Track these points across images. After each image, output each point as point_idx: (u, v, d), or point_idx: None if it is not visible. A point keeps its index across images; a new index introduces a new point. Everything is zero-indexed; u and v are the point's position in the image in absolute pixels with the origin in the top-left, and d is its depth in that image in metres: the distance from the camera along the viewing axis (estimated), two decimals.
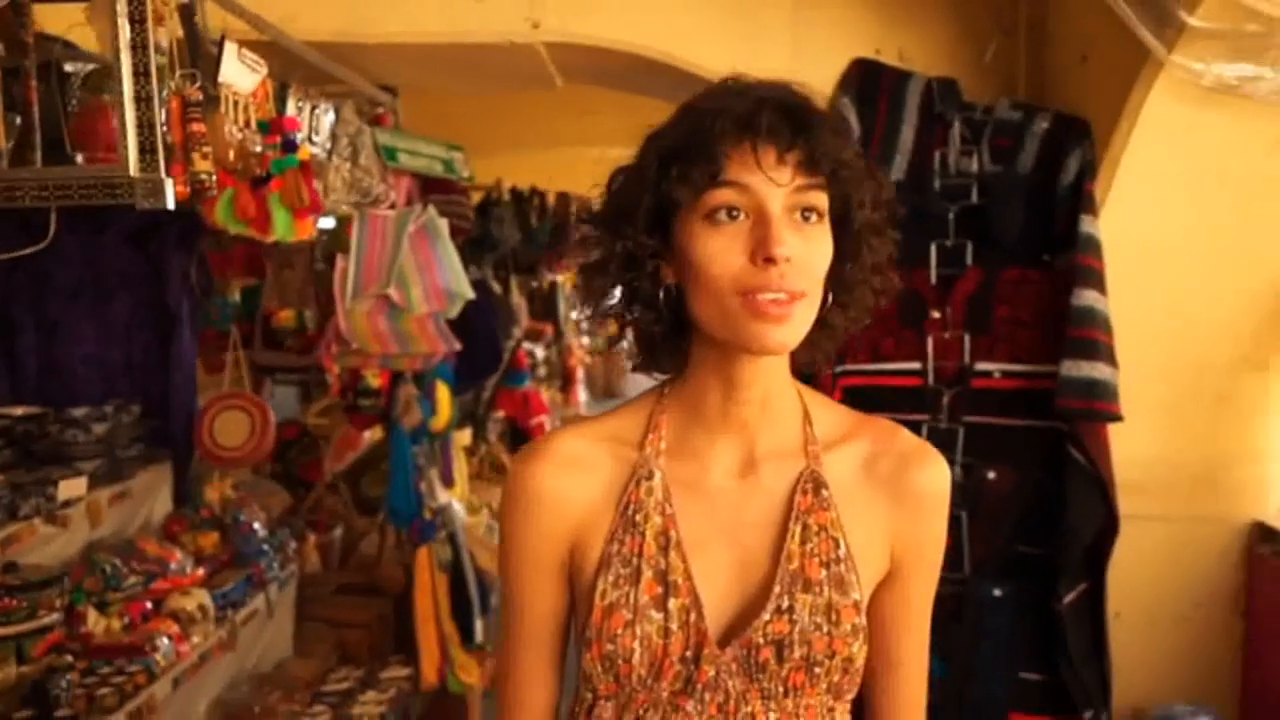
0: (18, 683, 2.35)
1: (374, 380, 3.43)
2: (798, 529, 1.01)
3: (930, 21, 2.61)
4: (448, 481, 3.76)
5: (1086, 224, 2.28)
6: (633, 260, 0.99)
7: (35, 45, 1.85)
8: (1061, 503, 2.32)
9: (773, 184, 0.92)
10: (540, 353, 7.60)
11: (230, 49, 2.08)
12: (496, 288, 5.40)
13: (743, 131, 0.92)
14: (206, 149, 1.84)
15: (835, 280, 0.99)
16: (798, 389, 1.06)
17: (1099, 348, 2.27)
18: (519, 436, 6.51)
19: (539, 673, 1.08)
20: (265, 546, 3.37)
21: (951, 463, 2.21)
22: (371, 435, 4.11)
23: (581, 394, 9.62)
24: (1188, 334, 2.45)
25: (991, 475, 2.41)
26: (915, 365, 2.50)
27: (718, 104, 0.94)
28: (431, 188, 3.49)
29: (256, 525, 3.41)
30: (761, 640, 0.98)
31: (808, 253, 0.94)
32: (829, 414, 1.08)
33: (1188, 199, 2.32)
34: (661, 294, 0.99)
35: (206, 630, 2.85)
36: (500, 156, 5.91)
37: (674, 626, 0.98)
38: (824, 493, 1.02)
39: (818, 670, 0.99)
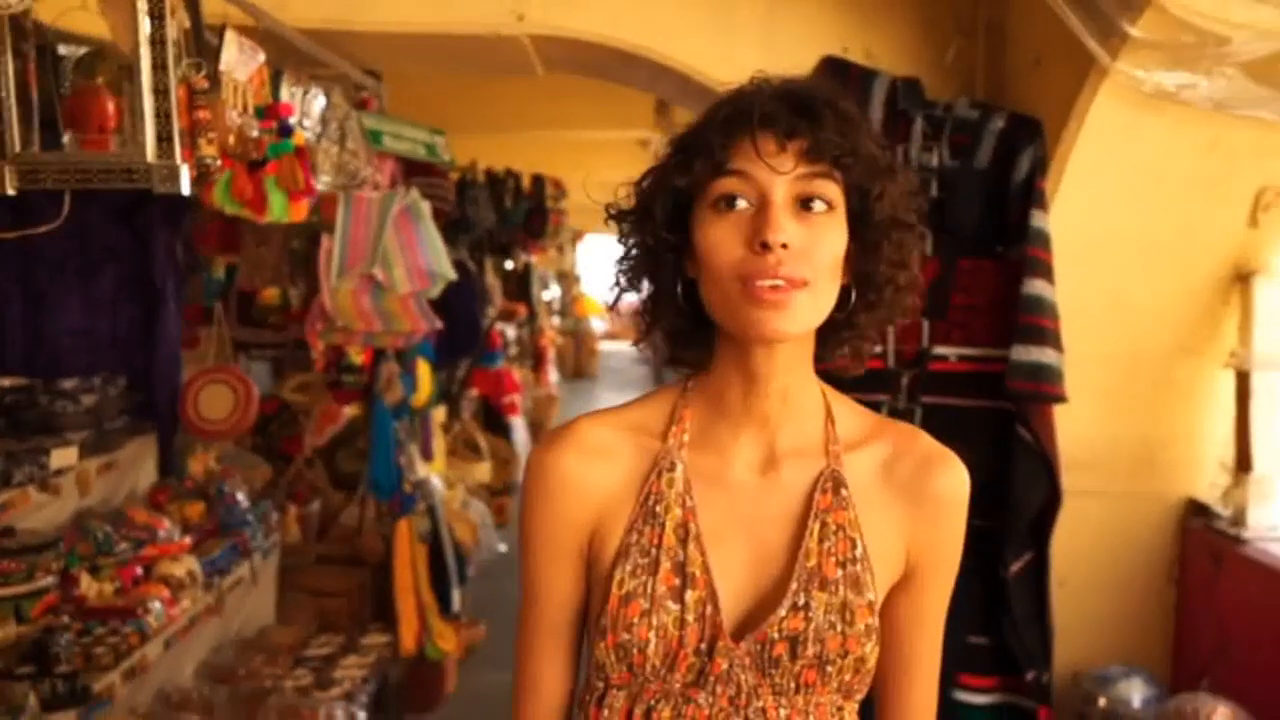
0: (17, 641, 2.45)
1: (357, 357, 3.53)
2: (816, 527, 1.01)
3: (896, 22, 2.74)
4: (427, 456, 3.88)
5: (1037, 218, 2.43)
6: (654, 255, 1.01)
7: (33, 30, 1.94)
8: (1009, 478, 2.48)
9: (773, 172, 0.93)
10: (512, 333, 7.70)
11: (230, 37, 2.17)
12: (472, 268, 5.49)
13: (745, 121, 0.94)
14: (211, 135, 1.95)
15: (860, 276, 0.99)
16: (822, 389, 1.06)
17: (1046, 334, 2.43)
18: (492, 414, 6.62)
19: (554, 658, 1.08)
20: (249, 517, 3.47)
21: None
22: (350, 411, 4.21)
23: (553, 374, 9.73)
24: (1129, 322, 2.62)
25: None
26: (877, 348, 2.65)
27: (730, 98, 0.97)
28: (414, 170, 3.60)
29: (240, 496, 3.52)
30: (776, 635, 0.98)
31: (810, 241, 0.94)
32: (852, 415, 1.07)
33: (1130, 196, 2.48)
34: (680, 287, 1.01)
35: (195, 595, 2.96)
36: (475, 138, 5.97)
37: (690, 618, 0.99)
38: (843, 492, 1.02)
39: (829, 669, 0.99)
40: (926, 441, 1.06)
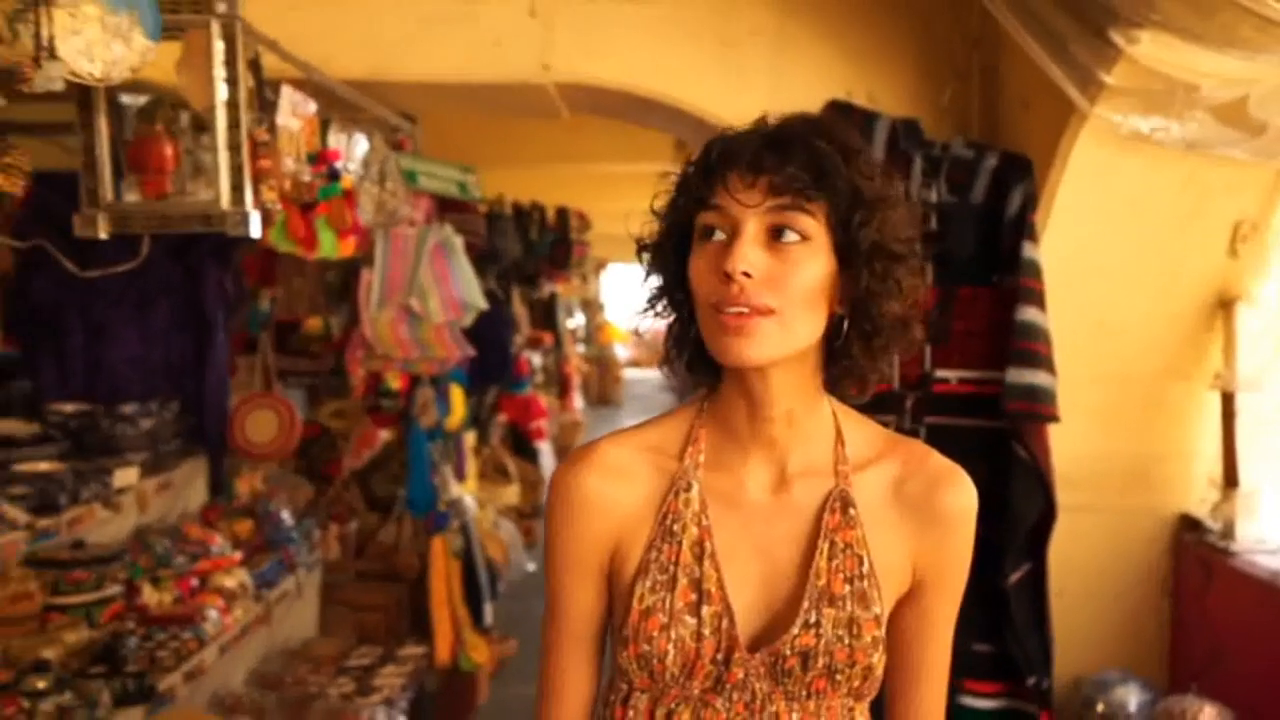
0: (89, 644, 2.67)
1: (394, 382, 3.75)
2: (826, 546, 1.05)
3: (896, 67, 2.94)
4: (460, 476, 4.08)
5: (1029, 250, 2.61)
6: (665, 286, 1.07)
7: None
8: (1007, 493, 2.64)
9: (742, 205, 0.97)
10: (538, 360, 7.90)
11: (285, 92, 2.40)
12: (500, 296, 5.71)
13: (721, 159, 0.99)
14: (272, 181, 2.18)
15: (849, 304, 1.00)
16: (834, 410, 1.08)
17: (1039, 358, 2.60)
18: (520, 439, 6.83)
19: (577, 668, 1.12)
20: (294, 534, 3.69)
21: None
22: (385, 436, 4.42)
23: (578, 400, 9.93)
24: (1119, 347, 2.78)
25: None
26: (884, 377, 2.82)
27: (716, 139, 1.02)
28: (447, 207, 3.83)
29: (285, 515, 3.73)
30: (789, 651, 1.03)
31: (779, 271, 0.97)
32: (863, 434, 1.10)
33: (1115, 229, 2.65)
34: (690, 315, 1.05)
35: (247, 605, 3.16)
36: (502, 172, 6.20)
37: (706, 631, 1.03)
38: (851, 511, 1.06)
39: (839, 677, 1.04)
40: (936, 460, 1.09)
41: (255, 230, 1.86)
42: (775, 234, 0.97)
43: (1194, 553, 2.80)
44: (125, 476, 3.10)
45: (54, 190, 2.51)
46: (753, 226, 0.97)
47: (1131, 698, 2.64)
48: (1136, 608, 2.89)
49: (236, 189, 1.82)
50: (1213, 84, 2.20)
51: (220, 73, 1.76)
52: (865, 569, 1.04)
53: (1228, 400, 2.74)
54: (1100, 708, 2.66)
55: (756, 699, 1.04)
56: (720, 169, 0.99)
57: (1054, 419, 2.62)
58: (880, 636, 1.04)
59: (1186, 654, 2.82)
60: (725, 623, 1.03)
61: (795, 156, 0.96)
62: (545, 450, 7.14)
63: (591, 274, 12.65)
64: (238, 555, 3.31)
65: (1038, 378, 2.60)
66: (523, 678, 4.34)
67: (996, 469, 2.68)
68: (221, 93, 1.77)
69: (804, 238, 0.97)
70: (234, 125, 1.80)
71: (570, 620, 1.11)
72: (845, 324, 1.01)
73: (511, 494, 6.00)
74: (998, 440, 2.70)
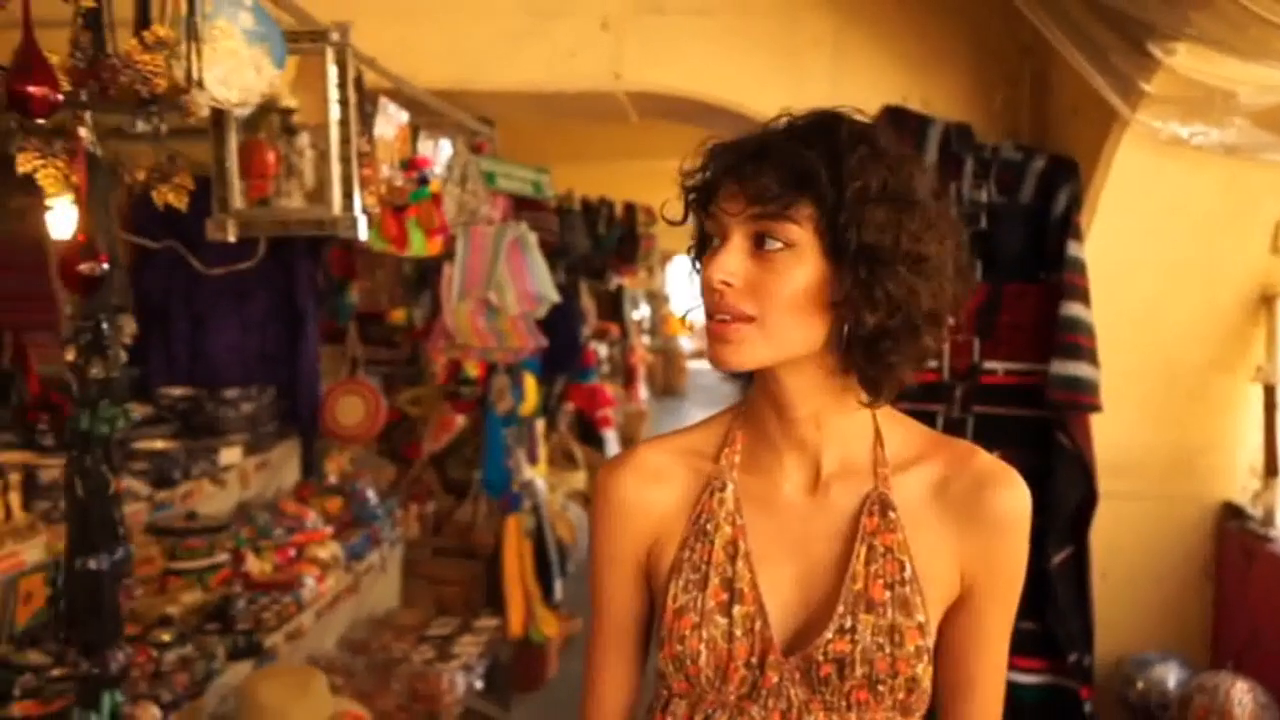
0: (202, 605, 2.96)
1: (473, 370, 4.00)
2: (863, 549, 1.02)
3: (949, 73, 3.08)
4: (533, 460, 4.32)
5: (1073, 248, 2.74)
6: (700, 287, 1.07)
7: None
8: (1050, 480, 2.78)
9: (727, 214, 0.98)
10: (604, 351, 8.12)
11: (383, 104, 2.64)
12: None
13: (717, 167, 1.00)
14: (372, 187, 2.41)
15: (845, 307, 0.97)
16: (872, 411, 1.05)
17: (1082, 350, 2.73)
18: (587, 427, 7.06)
19: (616, 667, 1.14)
20: (378, 512, 3.97)
21: None
22: (461, 421, 4.68)
23: (643, 390, 10.14)
24: (1164, 341, 2.89)
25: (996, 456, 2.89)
26: (933, 363, 2.98)
27: (713, 148, 1.03)
28: (523, 205, 4.05)
29: (370, 493, 4.02)
30: (822, 658, 1.00)
31: (761, 278, 0.97)
32: (904, 435, 1.08)
33: (1157, 228, 2.77)
34: None
35: (338, 575, 3.44)
36: (572, 168, 6.38)
37: (738, 632, 1.02)
38: (891, 514, 1.03)
39: (881, 689, 1.00)
40: (983, 459, 1.05)
41: (363, 233, 2.10)
42: (759, 241, 0.97)
43: (1236, 539, 2.91)
44: (230, 455, 3.40)
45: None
46: (737, 235, 0.98)
47: (1170, 676, 2.76)
48: (1179, 591, 3.00)
49: (346, 196, 2.06)
50: (1249, 91, 2.32)
51: (334, 94, 2.00)
52: (907, 574, 1.01)
53: (1269, 392, 2.84)
54: (1140, 685, 2.79)
55: (793, 708, 1.02)
56: (714, 178, 1.00)
57: (1096, 409, 2.75)
58: (925, 647, 1.01)
59: (1227, 636, 2.93)
60: (759, 624, 1.02)
61: (773, 165, 0.95)
62: (611, 438, 7.36)
63: (657, 266, 12.86)
64: (329, 530, 3.59)
65: (1080, 369, 2.73)
66: None
67: (1041, 457, 2.82)
68: (335, 112, 2.01)
69: (787, 244, 0.96)
70: (345, 140, 2.03)
71: (610, 619, 1.13)
72: (845, 328, 0.98)
73: (578, 479, 6.23)
74: (1042, 429, 2.84)
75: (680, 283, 15.44)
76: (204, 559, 3.04)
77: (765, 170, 0.95)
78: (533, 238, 3.83)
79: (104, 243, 1.31)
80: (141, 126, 1.52)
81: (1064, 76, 2.79)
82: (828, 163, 0.95)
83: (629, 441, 8.34)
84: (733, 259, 0.97)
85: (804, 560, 1.04)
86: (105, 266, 1.27)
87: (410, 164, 2.83)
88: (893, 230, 0.95)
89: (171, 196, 1.40)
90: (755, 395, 1.07)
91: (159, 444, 3.24)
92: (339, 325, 4.33)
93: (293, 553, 3.40)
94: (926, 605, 1.02)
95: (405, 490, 4.52)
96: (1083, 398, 2.74)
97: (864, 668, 0.99)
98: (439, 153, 3.23)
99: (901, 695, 1.01)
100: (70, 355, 1.44)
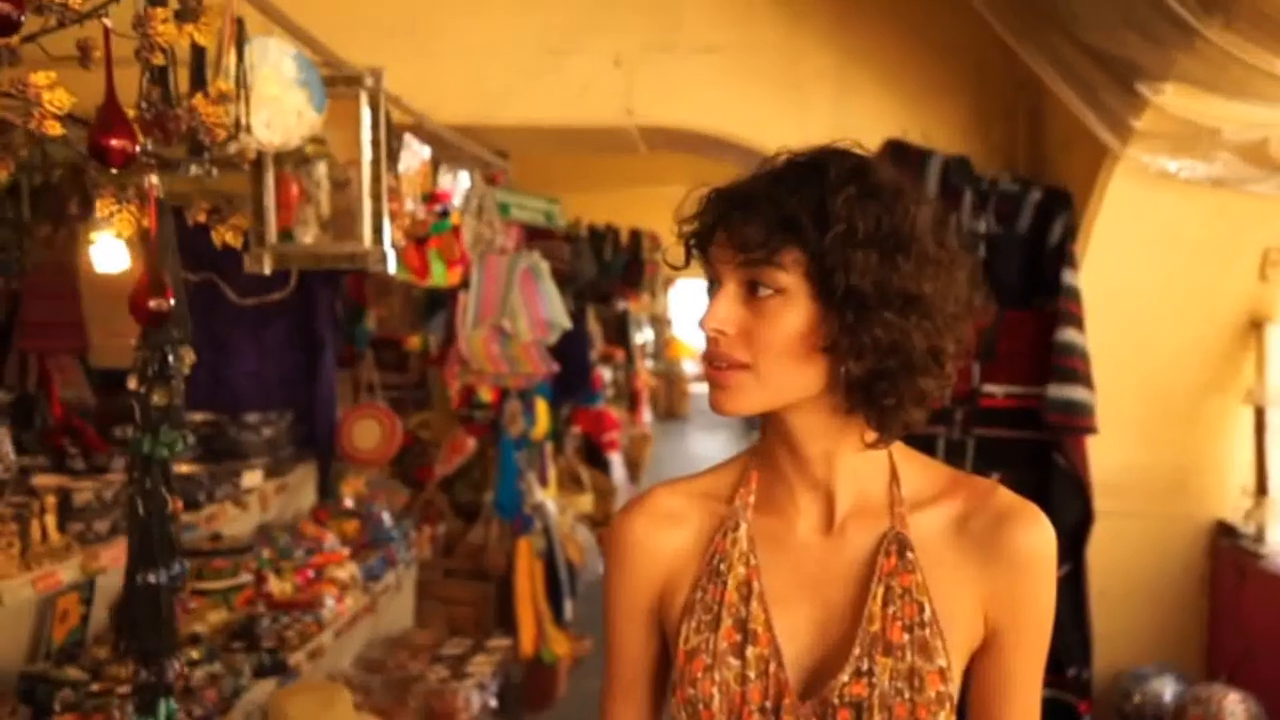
0: (227, 624, 3.05)
1: (486, 395, 4.10)
2: (880, 591, 1.00)
3: (948, 107, 3.21)
4: (544, 482, 4.42)
5: (1069, 276, 2.86)
6: None
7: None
8: (1048, 499, 2.88)
9: (720, 261, 0.98)
10: (608, 375, 8.23)
11: (408, 141, 2.76)
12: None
13: (708, 216, 1.00)
14: (398, 221, 2.53)
15: (840, 355, 0.96)
16: (889, 449, 1.03)
17: (1078, 374, 2.84)
18: (593, 451, 7.16)
19: (627, 711, 1.12)
20: (393, 533, 4.05)
21: (964, 467, 2.81)
22: (473, 444, 4.78)
23: (647, 414, 10.25)
24: (1157, 365, 3.00)
25: (995, 477, 2.98)
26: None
27: (708, 194, 1.02)
28: (535, 235, 4.18)
29: (386, 515, 4.11)
30: (838, 701, 0.97)
31: (753, 325, 0.97)
32: (921, 473, 1.05)
33: (1150, 257, 2.88)
34: None
35: (356, 595, 3.53)
36: (579, 195, 6.51)
37: (752, 675, 0.99)
38: (909, 555, 1.01)
39: None
40: (1003, 496, 1.03)
41: (392, 267, 2.21)
42: (751, 288, 0.97)
43: (1229, 556, 3.00)
44: (252, 478, 3.49)
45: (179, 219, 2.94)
46: (730, 283, 0.98)
47: (1167, 689, 2.85)
48: (1174, 607, 3.09)
49: (376, 230, 2.17)
50: (1233, 127, 2.44)
51: (367, 135, 2.12)
52: (927, 617, 0.98)
53: (1259, 414, 2.95)
54: (1137, 699, 2.88)
55: None
56: (707, 226, 1.00)
57: (1092, 430, 2.86)
58: (947, 693, 0.97)
59: (1222, 650, 3.02)
60: (773, 666, 0.99)
61: (758, 213, 0.95)
62: (616, 462, 7.46)
63: (660, 290, 12.99)
64: (346, 551, 3.69)
65: (1076, 393, 2.84)
66: (598, 672, 4.64)
67: (1039, 477, 2.92)
68: (367, 152, 2.13)
69: (777, 291, 0.96)
70: (376, 179, 2.15)
71: (624, 665, 1.11)
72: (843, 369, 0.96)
73: (585, 502, 6.33)
74: (1040, 451, 2.94)
75: (684, 306, 15.59)
76: (229, 579, 3.14)
77: (751, 219, 0.95)
78: (545, 266, 3.95)
79: (170, 280, 1.41)
80: (195, 170, 1.63)
81: (1058, 112, 2.92)
82: (813, 206, 0.94)
83: (634, 465, 8.44)
84: (725, 307, 0.97)
85: (819, 601, 1.02)
86: (172, 302, 1.38)
87: (432, 197, 2.94)
88: (881, 272, 0.93)
89: (230, 236, 1.51)
90: (769, 434, 1.06)
91: (184, 468, 3.34)
92: (357, 351, 4.44)
93: (312, 573, 3.49)
94: (948, 649, 0.98)
95: (418, 513, 4.61)
96: (1079, 420, 2.85)
97: (882, 714, 0.96)
98: (457, 185, 3.35)
99: None
100: (133, 384, 1.55)
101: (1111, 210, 2.78)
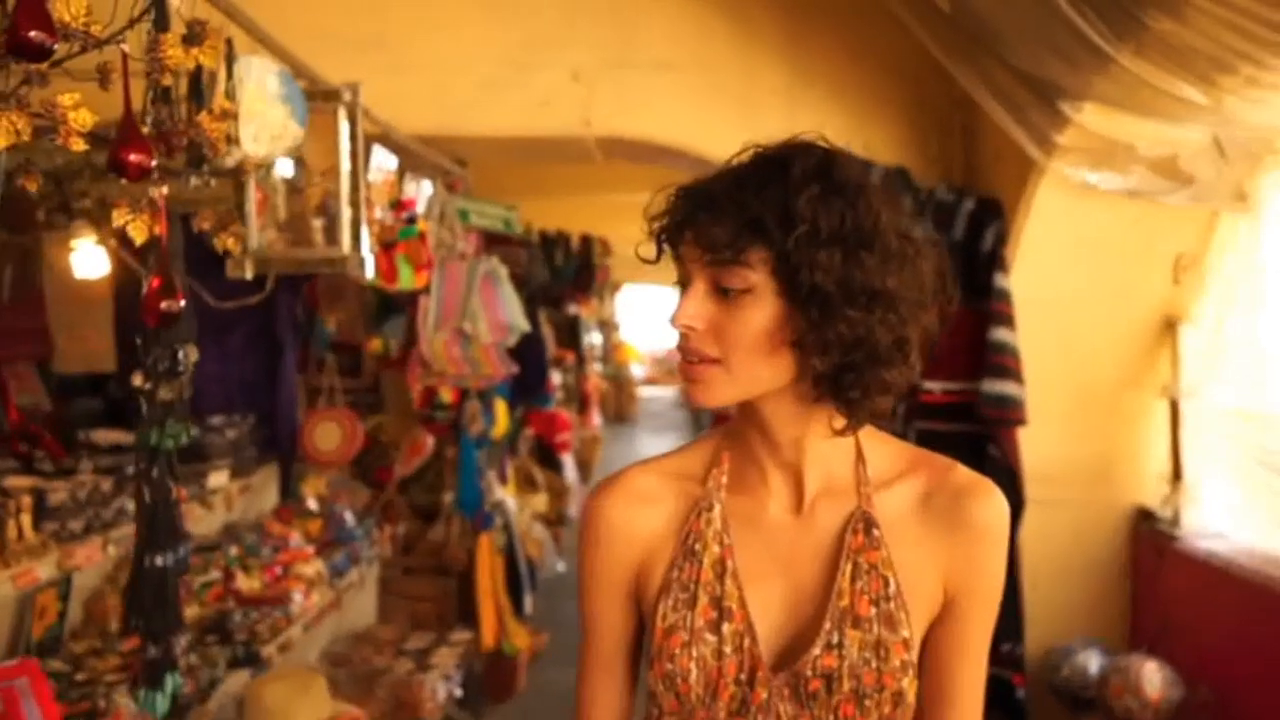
0: (199, 619, 3.12)
1: (446, 396, 4.21)
2: (849, 567, 1.04)
3: (890, 123, 3.42)
4: (503, 480, 4.54)
5: (1000, 279, 3.07)
6: None
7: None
8: None
9: (689, 260, 1.01)
10: (558, 378, 8.35)
11: (376, 151, 2.87)
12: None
13: (675, 215, 1.01)
14: (369, 228, 2.65)
15: (806, 350, 0.98)
16: (851, 433, 1.05)
17: (1009, 371, 3.06)
18: (546, 452, 7.28)
19: (608, 687, 1.15)
20: (356, 532, 4.15)
21: None
22: (432, 444, 4.87)
23: (596, 417, 10.39)
24: (1080, 361, 3.23)
25: None
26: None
27: (676, 191, 1.03)
28: (493, 241, 4.30)
29: (348, 515, 4.20)
30: (810, 673, 1.02)
31: (723, 321, 1.00)
32: (885, 453, 1.09)
33: (1074, 262, 3.11)
34: None
35: (323, 591, 3.62)
36: (530, 201, 6.59)
37: (728, 650, 1.03)
38: (875, 532, 1.05)
39: (868, 703, 1.01)
40: (962, 473, 1.08)
41: (370, 273, 2.33)
42: (720, 286, 0.99)
43: (1148, 539, 3.24)
44: (217, 479, 3.57)
45: None
46: (699, 280, 1.00)
47: (1092, 662, 3.06)
48: (1099, 586, 3.32)
49: (355, 238, 2.29)
50: (1146, 144, 2.66)
51: (345, 147, 2.24)
52: (892, 590, 1.03)
53: (1174, 407, 3.18)
54: (1065, 671, 3.09)
55: None
56: (675, 224, 1.01)
57: (1022, 423, 3.07)
58: (910, 661, 1.02)
59: (1142, 624, 3.25)
60: (748, 641, 1.04)
61: (724, 214, 0.97)
62: (568, 463, 7.59)
63: (608, 294, 13.14)
64: (311, 549, 3.78)
65: (1008, 388, 3.05)
66: (556, 664, 4.78)
67: (974, 467, 3.09)
68: (345, 162, 2.25)
69: (745, 289, 0.98)
70: (355, 188, 2.27)
71: (600, 642, 1.14)
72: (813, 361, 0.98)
73: (540, 502, 6.45)
74: (976, 442, 3.15)
75: (631, 310, 15.77)
76: (199, 575, 3.22)
77: (717, 219, 0.97)
78: (504, 271, 4.07)
79: (178, 284, 1.53)
80: (195, 181, 1.75)
81: (990, 127, 3.13)
82: (778, 207, 0.95)
83: (584, 466, 8.57)
84: (694, 304, 1.00)
85: (791, 578, 1.06)
86: (181, 303, 1.50)
87: (398, 204, 3.06)
88: (845, 270, 0.96)
89: (230, 242, 1.63)
90: (741, 418, 1.09)
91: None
92: (314, 354, 4.51)
93: (279, 570, 3.58)
94: (911, 620, 1.03)
95: (378, 513, 4.70)
96: (1010, 413, 3.06)
97: (851, 682, 1.01)
98: (421, 193, 3.47)
99: (887, 709, 1.02)
100: (137, 380, 1.66)
101: (1039, 219, 3.00)
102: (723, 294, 0.99)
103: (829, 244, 0.95)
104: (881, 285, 0.97)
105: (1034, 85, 2.63)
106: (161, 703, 1.64)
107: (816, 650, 1.02)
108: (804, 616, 1.05)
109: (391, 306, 4.59)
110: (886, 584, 1.03)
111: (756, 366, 1.00)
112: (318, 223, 2.96)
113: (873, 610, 1.02)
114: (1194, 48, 2.12)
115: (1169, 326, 3.17)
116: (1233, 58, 2.10)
